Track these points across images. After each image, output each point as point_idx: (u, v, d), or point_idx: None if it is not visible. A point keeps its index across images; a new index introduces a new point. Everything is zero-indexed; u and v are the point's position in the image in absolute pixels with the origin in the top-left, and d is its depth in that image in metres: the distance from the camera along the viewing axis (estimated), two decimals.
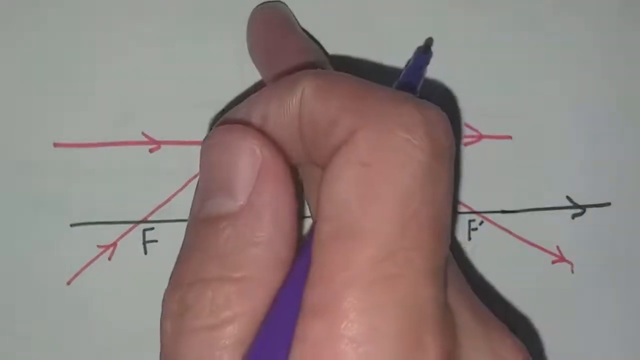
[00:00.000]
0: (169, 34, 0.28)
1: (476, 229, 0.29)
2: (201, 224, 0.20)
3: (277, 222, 0.19)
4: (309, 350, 0.17)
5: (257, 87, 0.28)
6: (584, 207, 0.30)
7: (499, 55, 0.29)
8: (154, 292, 0.28)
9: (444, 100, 0.29)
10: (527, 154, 0.29)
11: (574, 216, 0.30)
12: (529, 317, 0.29)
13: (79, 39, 0.28)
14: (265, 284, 0.18)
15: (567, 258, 0.30)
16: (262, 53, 0.27)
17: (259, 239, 0.19)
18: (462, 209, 0.29)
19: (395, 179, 0.17)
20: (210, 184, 0.20)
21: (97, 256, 0.28)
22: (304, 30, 0.28)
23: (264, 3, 0.28)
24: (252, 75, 0.28)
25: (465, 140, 0.29)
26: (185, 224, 0.28)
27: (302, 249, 0.19)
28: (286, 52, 0.26)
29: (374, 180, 0.17)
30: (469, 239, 0.29)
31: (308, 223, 0.28)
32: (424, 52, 0.27)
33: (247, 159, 0.19)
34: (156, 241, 0.28)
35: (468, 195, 0.29)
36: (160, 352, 0.19)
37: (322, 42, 0.29)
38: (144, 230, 0.28)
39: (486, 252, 0.29)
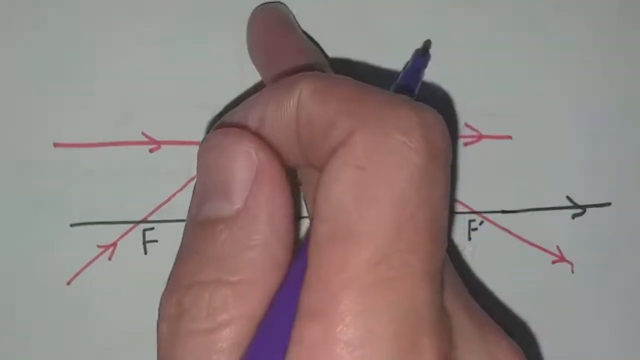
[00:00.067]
0: (169, 34, 0.28)
1: (476, 229, 0.29)
2: (198, 227, 0.20)
3: (273, 225, 0.19)
4: (304, 354, 0.17)
5: (257, 87, 0.28)
6: (584, 207, 0.30)
7: (499, 55, 0.29)
8: (154, 292, 0.28)
9: (443, 101, 0.29)
10: (527, 154, 0.29)
11: (574, 216, 0.29)
12: (529, 317, 0.29)
13: (79, 39, 0.28)
14: (262, 286, 0.18)
15: (567, 258, 0.30)
16: (262, 54, 0.27)
17: (255, 242, 0.19)
18: (462, 209, 0.29)
19: (391, 181, 0.17)
20: (206, 187, 0.20)
21: (97, 256, 0.28)
22: (303, 31, 0.28)
23: (264, 4, 0.28)
24: (252, 76, 0.28)
25: (465, 140, 0.29)
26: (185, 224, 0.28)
27: (299, 251, 0.19)
28: (285, 53, 0.26)
29: (371, 183, 0.17)
30: (469, 239, 0.29)
31: (306, 223, 0.28)
32: (422, 55, 0.27)
33: (243, 162, 0.19)
34: (156, 241, 0.28)
35: (468, 195, 0.29)
36: (157, 355, 0.19)
37: (321, 42, 0.29)
38: (144, 230, 0.28)
39: (486, 252, 0.29)
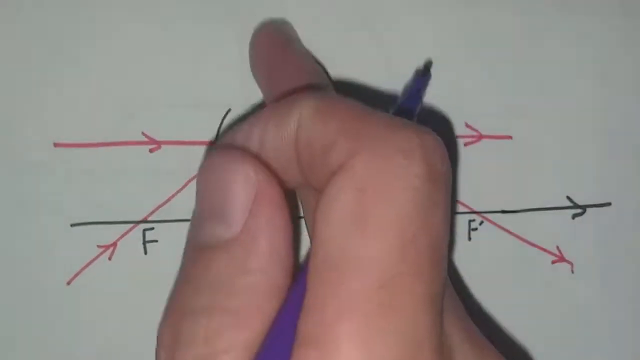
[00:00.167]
0: (169, 34, 0.28)
1: (476, 229, 0.29)
2: (197, 252, 0.19)
3: (272, 249, 0.18)
4: None
5: (257, 88, 0.28)
6: (584, 207, 0.30)
7: (499, 55, 0.29)
8: (154, 292, 0.28)
9: (444, 101, 0.29)
10: (527, 154, 0.29)
11: (574, 216, 0.29)
12: (529, 317, 0.29)
13: (79, 39, 0.28)
14: (260, 312, 0.18)
15: (567, 258, 0.30)
16: (264, 72, 0.27)
17: (254, 267, 0.18)
18: (462, 209, 0.29)
19: (392, 203, 0.17)
20: (205, 210, 0.20)
21: (97, 256, 0.28)
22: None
23: (267, 21, 0.28)
24: (252, 76, 0.28)
25: (465, 140, 0.29)
26: (185, 224, 0.28)
27: (299, 274, 0.19)
28: (287, 72, 0.26)
29: (371, 205, 0.17)
30: (469, 239, 0.29)
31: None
32: (423, 75, 0.27)
33: (243, 184, 0.19)
34: (156, 241, 0.28)
35: (468, 195, 0.29)
36: None
37: (321, 42, 0.29)
38: (144, 230, 0.28)
39: (486, 252, 0.29)
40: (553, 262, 0.30)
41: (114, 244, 0.28)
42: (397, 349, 0.16)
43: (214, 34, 0.28)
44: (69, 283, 0.28)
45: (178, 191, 0.28)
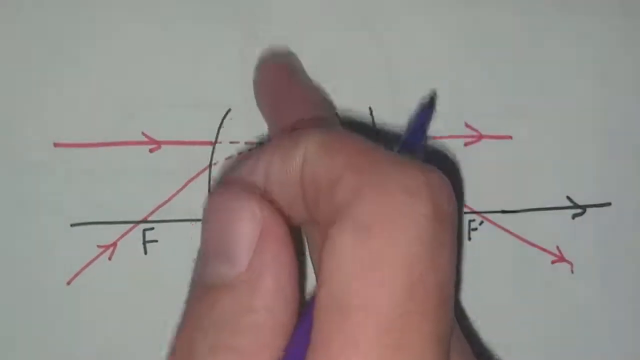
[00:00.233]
0: (169, 34, 0.28)
1: (476, 229, 0.29)
2: (202, 290, 0.19)
3: (278, 288, 0.18)
4: None
5: None
6: (584, 207, 0.30)
7: (499, 55, 0.29)
8: (154, 292, 0.28)
9: (444, 101, 0.29)
10: (527, 154, 0.29)
11: (574, 216, 0.30)
12: (528, 317, 0.29)
13: (79, 39, 0.28)
14: (266, 350, 0.18)
15: (567, 258, 0.30)
16: (268, 103, 0.27)
17: (259, 305, 0.18)
18: (462, 209, 0.29)
19: (399, 243, 0.17)
20: (211, 248, 0.19)
21: (97, 256, 0.28)
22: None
23: (271, 51, 0.28)
24: (252, 76, 0.28)
25: (465, 140, 0.29)
26: (185, 224, 0.28)
27: (305, 312, 0.18)
28: (292, 103, 0.25)
29: (377, 246, 0.17)
30: (469, 239, 0.29)
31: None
32: (428, 108, 0.27)
33: (248, 222, 0.19)
34: (156, 241, 0.28)
35: (468, 195, 0.29)
36: None
37: (321, 42, 0.29)
38: (144, 230, 0.28)
39: (486, 252, 0.29)
40: (553, 262, 0.30)
41: (114, 244, 0.28)
42: None
43: (214, 34, 0.28)
44: (69, 283, 0.28)
45: (178, 191, 0.28)
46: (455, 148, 0.29)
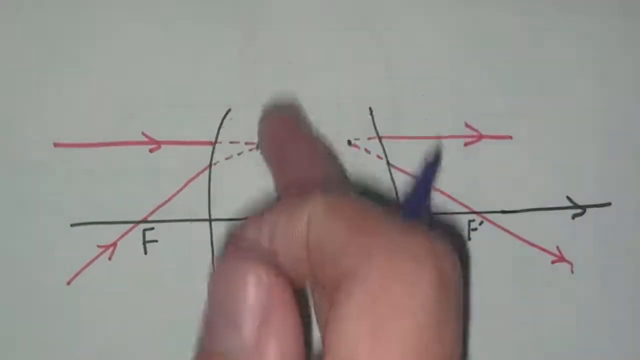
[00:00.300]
0: (170, 34, 0.28)
1: (476, 229, 0.29)
2: (207, 357, 0.19)
3: (284, 354, 0.18)
4: None
5: (257, 88, 0.28)
6: (584, 207, 0.30)
7: (499, 55, 0.29)
8: (154, 292, 0.28)
9: (444, 101, 0.29)
10: (527, 154, 0.29)
11: (574, 216, 0.30)
12: (528, 317, 0.29)
13: (79, 39, 0.28)
14: None
15: (566, 258, 0.30)
16: (274, 156, 0.27)
17: None
18: (462, 209, 0.29)
19: (404, 314, 0.17)
20: (217, 314, 0.19)
21: (97, 256, 0.28)
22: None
23: (276, 103, 0.28)
24: (253, 76, 0.28)
25: (465, 140, 0.29)
26: (185, 224, 0.28)
27: None
28: (298, 157, 0.25)
29: (384, 316, 0.17)
30: (469, 239, 0.29)
31: None
32: (433, 164, 0.27)
33: (254, 288, 0.19)
34: (156, 241, 0.28)
35: (468, 195, 0.29)
36: None
37: (321, 42, 0.29)
38: (144, 230, 0.28)
39: (486, 252, 0.29)
40: (553, 262, 0.30)
41: (114, 244, 0.28)
42: None
43: (214, 34, 0.28)
44: (69, 283, 0.28)
45: (178, 191, 0.28)
46: (455, 148, 0.29)
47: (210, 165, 0.28)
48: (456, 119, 0.29)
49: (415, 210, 0.23)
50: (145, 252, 0.28)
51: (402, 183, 0.29)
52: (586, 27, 0.30)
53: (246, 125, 0.28)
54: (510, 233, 0.29)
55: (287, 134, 0.27)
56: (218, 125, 0.28)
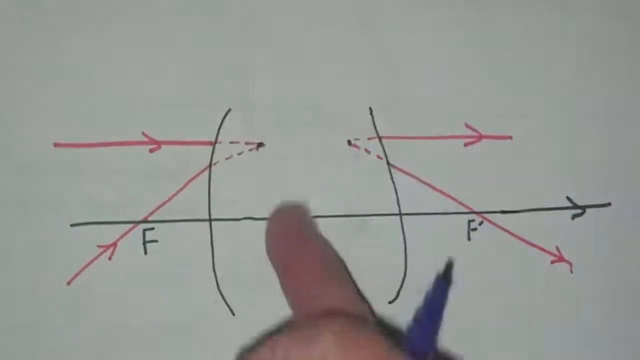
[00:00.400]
0: (170, 34, 0.28)
1: (476, 229, 0.29)
2: None
3: None
4: None
5: (257, 88, 0.28)
6: (584, 208, 0.30)
7: (499, 55, 0.29)
8: (154, 292, 0.28)
9: (444, 101, 0.29)
10: (527, 154, 0.29)
11: (573, 216, 0.30)
12: (528, 317, 0.29)
13: (79, 39, 0.28)
14: None
15: (566, 258, 0.30)
16: (280, 261, 0.26)
17: None
18: (462, 209, 0.29)
19: None
20: None
21: (97, 256, 0.28)
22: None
23: (282, 204, 0.28)
24: (253, 76, 0.28)
25: (465, 140, 0.29)
26: (185, 224, 0.28)
27: None
28: (305, 263, 0.25)
29: None
30: (469, 239, 0.29)
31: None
32: (444, 281, 0.27)
33: None
34: (156, 241, 0.28)
35: (468, 195, 0.29)
36: None
37: (321, 42, 0.29)
38: (144, 230, 0.28)
39: (486, 252, 0.29)
40: (552, 262, 0.30)
41: (114, 244, 0.28)
42: None
43: (214, 34, 0.28)
44: (69, 283, 0.28)
45: (178, 191, 0.28)
46: (455, 148, 0.29)
47: (210, 165, 0.28)
48: (456, 119, 0.29)
49: (422, 345, 0.23)
50: (145, 252, 0.28)
51: (402, 183, 0.29)
52: (586, 27, 0.29)
53: (246, 125, 0.28)
54: (510, 233, 0.29)
55: (293, 239, 0.27)
56: (218, 125, 0.28)
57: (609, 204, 0.30)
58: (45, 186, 0.28)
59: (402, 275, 0.29)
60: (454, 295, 0.29)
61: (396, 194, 0.29)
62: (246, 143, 0.28)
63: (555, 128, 0.30)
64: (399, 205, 0.29)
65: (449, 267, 0.28)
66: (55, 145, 0.28)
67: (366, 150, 0.29)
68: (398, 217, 0.29)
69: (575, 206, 0.30)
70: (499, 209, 0.29)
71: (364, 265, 0.28)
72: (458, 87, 0.29)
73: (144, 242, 0.28)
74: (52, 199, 0.28)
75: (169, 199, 0.28)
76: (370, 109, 0.29)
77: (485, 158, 0.29)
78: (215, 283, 0.28)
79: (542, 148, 0.29)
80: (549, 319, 0.30)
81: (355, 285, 0.27)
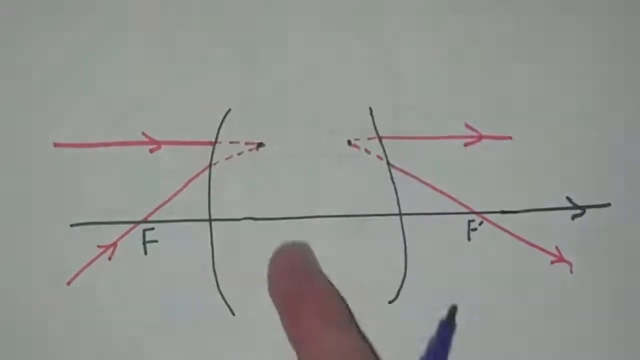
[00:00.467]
0: (170, 33, 0.28)
1: (476, 229, 0.29)
2: None
3: None
4: None
5: (257, 88, 0.28)
6: (584, 208, 0.30)
7: (499, 55, 0.29)
8: (154, 292, 0.28)
9: (444, 101, 0.29)
10: (527, 154, 0.29)
11: (574, 217, 0.29)
12: (528, 318, 0.29)
13: (79, 38, 0.28)
14: None
15: (566, 258, 0.30)
16: (283, 301, 0.26)
17: None
18: (462, 209, 0.29)
19: None
20: None
21: (97, 256, 0.28)
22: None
23: (284, 244, 0.28)
24: (253, 76, 0.28)
25: (465, 140, 0.29)
26: (185, 224, 0.28)
27: None
28: (308, 304, 0.25)
29: None
30: (469, 239, 0.29)
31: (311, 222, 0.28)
32: (448, 325, 0.27)
33: None
34: (156, 241, 0.28)
35: (468, 195, 0.29)
36: None
37: (321, 41, 0.29)
38: (144, 230, 0.28)
39: (486, 252, 0.29)
40: (552, 263, 0.30)
41: (114, 244, 0.28)
42: None
43: (214, 34, 0.28)
44: (69, 283, 0.28)
45: (178, 191, 0.28)
46: (455, 148, 0.29)
47: (210, 165, 0.28)
48: (456, 119, 0.29)
49: None
50: (145, 252, 0.28)
51: (402, 183, 0.29)
52: (586, 27, 0.29)
53: (246, 125, 0.28)
54: (510, 233, 0.29)
55: (295, 279, 0.26)
56: (218, 125, 0.28)
57: (609, 204, 0.30)
58: (45, 186, 0.28)
59: (402, 275, 0.29)
60: (454, 294, 0.29)
61: (396, 194, 0.29)
62: (246, 143, 0.28)
63: (555, 128, 0.29)
64: (399, 205, 0.29)
65: (452, 311, 0.28)
66: (55, 145, 0.28)
67: (366, 150, 0.29)
68: (398, 217, 0.29)
69: (575, 206, 0.30)
70: (499, 209, 0.29)
71: (364, 265, 0.28)
72: (458, 87, 0.29)
73: (144, 242, 0.28)
74: (52, 199, 0.28)
75: (169, 199, 0.28)
76: (370, 109, 0.29)
77: (485, 158, 0.29)
78: (215, 283, 0.28)
79: (542, 148, 0.29)
80: (549, 319, 0.29)
81: (357, 325, 0.27)
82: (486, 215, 0.29)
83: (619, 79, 0.30)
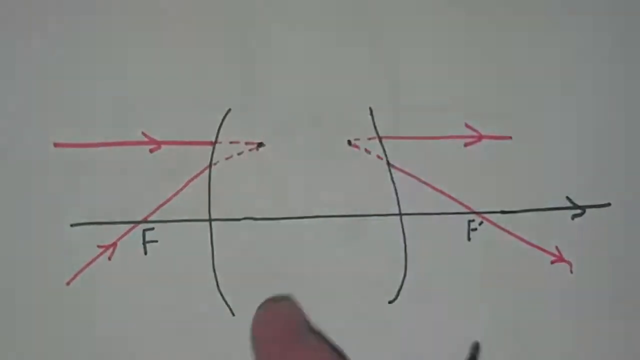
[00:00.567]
0: (170, 34, 0.28)
1: (476, 229, 0.29)
2: None
3: None
4: None
5: (257, 88, 0.28)
6: (584, 208, 0.30)
7: (500, 56, 0.29)
8: (153, 292, 0.28)
9: (444, 101, 0.29)
10: (527, 154, 0.29)
11: (573, 217, 0.30)
12: (528, 317, 0.29)
13: (79, 39, 0.28)
14: None
15: (566, 258, 0.30)
16: None
17: None
18: (462, 209, 0.29)
19: None
20: None
21: (97, 256, 0.28)
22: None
23: (269, 300, 0.28)
24: (253, 76, 0.28)
25: (465, 140, 0.29)
26: (185, 224, 0.28)
27: None
28: None
29: None
30: (469, 239, 0.29)
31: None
32: None
33: None
34: (156, 241, 0.28)
35: (468, 195, 0.29)
36: None
37: (321, 42, 0.29)
38: (144, 230, 0.28)
39: (486, 252, 0.29)
40: (552, 262, 0.30)
41: (114, 244, 0.28)
42: None
43: (214, 34, 0.28)
44: (69, 283, 0.28)
45: (178, 191, 0.28)
46: (455, 148, 0.29)
47: (210, 165, 0.28)
48: (456, 119, 0.29)
49: None
50: (145, 252, 0.28)
51: (402, 183, 0.29)
52: (586, 28, 0.30)
53: (246, 125, 0.28)
54: (510, 233, 0.29)
55: (279, 339, 0.26)
56: (218, 125, 0.28)
57: (609, 204, 0.30)
58: (45, 186, 0.28)
59: (402, 275, 0.29)
60: (454, 294, 0.29)
61: (396, 194, 0.29)
62: (246, 143, 0.28)
63: (555, 128, 0.30)
64: (399, 205, 0.29)
65: (475, 349, 0.28)
66: (55, 145, 0.28)
67: (366, 150, 0.29)
68: (398, 217, 0.29)
69: (575, 206, 0.30)
70: (499, 209, 0.29)
71: (364, 265, 0.28)
72: (458, 87, 0.29)
73: (144, 242, 0.28)
74: (52, 199, 0.28)
75: (169, 199, 0.28)
76: (370, 109, 0.29)
77: (485, 158, 0.29)
78: (215, 283, 0.28)
79: (542, 148, 0.29)
80: (549, 319, 0.30)
81: None
82: (486, 215, 0.29)
83: (619, 79, 0.30)
